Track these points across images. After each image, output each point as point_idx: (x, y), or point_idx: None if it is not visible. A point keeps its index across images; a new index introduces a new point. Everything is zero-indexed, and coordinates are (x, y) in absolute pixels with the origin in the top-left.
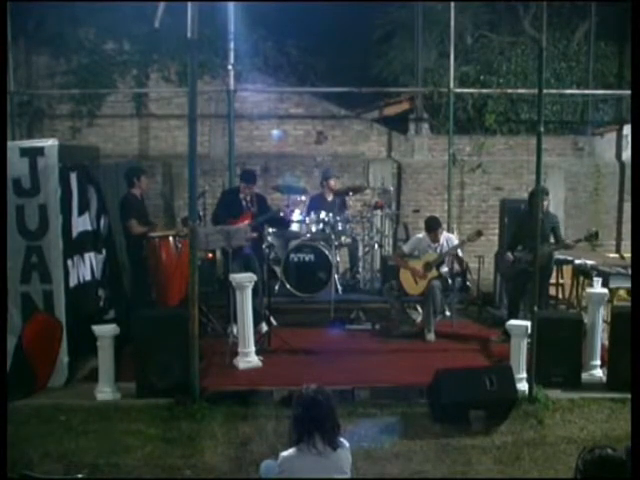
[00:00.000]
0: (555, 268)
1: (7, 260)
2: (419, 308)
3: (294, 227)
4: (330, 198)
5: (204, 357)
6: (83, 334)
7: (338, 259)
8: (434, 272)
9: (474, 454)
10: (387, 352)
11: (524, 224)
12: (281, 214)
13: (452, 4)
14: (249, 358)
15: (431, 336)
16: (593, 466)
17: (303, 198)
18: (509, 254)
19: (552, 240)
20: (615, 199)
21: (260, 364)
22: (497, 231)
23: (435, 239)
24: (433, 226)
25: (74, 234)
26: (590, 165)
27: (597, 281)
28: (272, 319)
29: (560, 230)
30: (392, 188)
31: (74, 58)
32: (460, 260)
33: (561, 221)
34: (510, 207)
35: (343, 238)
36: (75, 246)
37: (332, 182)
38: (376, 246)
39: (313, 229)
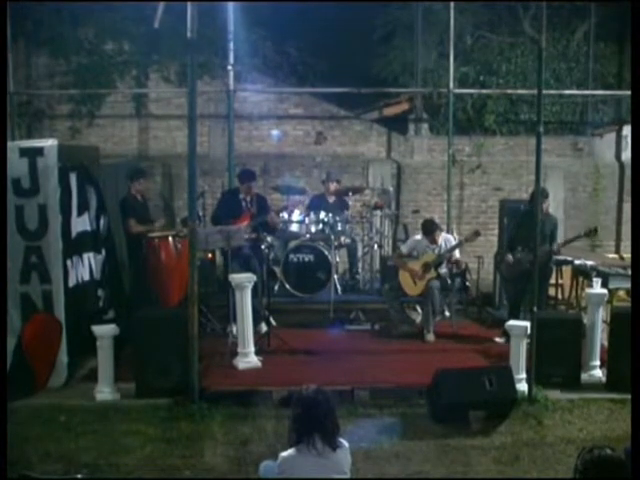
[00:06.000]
0: (555, 269)
1: (7, 260)
2: (418, 308)
3: (294, 227)
4: (332, 200)
5: (203, 357)
6: (82, 334)
7: (337, 259)
8: (433, 273)
9: (474, 454)
10: (387, 352)
11: (523, 225)
12: (268, 219)
13: (452, 4)
14: (248, 358)
15: (430, 336)
16: (592, 466)
17: (302, 198)
18: (509, 256)
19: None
20: (614, 200)
21: (259, 364)
22: (497, 231)
23: (433, 241)
24: (430, 229)
25: (73, 234)
26: (589, 166)
27: (596, 282)
28: (272, 319)
29: (557, 232)
30: (391, 189)
31: (74, 58)
32: (458, 263)
33: (560, 222)
34: (510, 208)
35: (342, 238)
36: (74, 246)
37: (331, 186)
38: (375, 246)
39: (312, 229)
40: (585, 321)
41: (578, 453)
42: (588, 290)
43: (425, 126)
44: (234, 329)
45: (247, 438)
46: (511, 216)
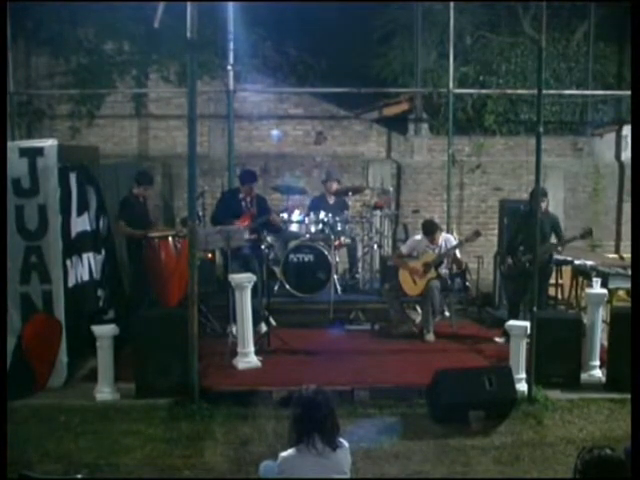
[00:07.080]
0: (554, 269)
1: (7, 260)
2: (418, 308)
3: (293, 227)
4: (332, 201)
5: (203, 357)
6: (82, 334)
7: (337, 259)
8: (433, 272)
9: (473, 454)
10: (387, 352)
11: (523, 225)
12: (271, 218)
13: (452, 4)
14: (248, 358)
15: (430, 336)
16: (592, 466)
17: (302, 199)
18: (509, 257)
19: (553, 240)
20: (614, 200)
21: (259, 364)
22: (496, 231)
23: (433, 241)
24: (430, 229)
25: (73, 234)
26: (589, 165)
27: (596, 282)
28: (271, 319)
29: (561, 229)
30: (391, 189)
31: (73, 58)
32: (458, 261)
33: (560, 221)
34: (509, 208)
35: (342, 238)
36: (74, 246)
37: (332, 185)
38: (375, 246)
39: (312, 229)
40: (585, 321)
41: (578, 453)
42: (588, 290)
43: (425, 126)
44: (234, 329)
45: (247, 438)
46: (511, 216)
